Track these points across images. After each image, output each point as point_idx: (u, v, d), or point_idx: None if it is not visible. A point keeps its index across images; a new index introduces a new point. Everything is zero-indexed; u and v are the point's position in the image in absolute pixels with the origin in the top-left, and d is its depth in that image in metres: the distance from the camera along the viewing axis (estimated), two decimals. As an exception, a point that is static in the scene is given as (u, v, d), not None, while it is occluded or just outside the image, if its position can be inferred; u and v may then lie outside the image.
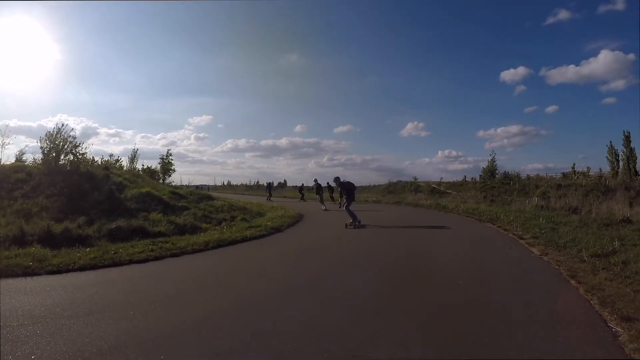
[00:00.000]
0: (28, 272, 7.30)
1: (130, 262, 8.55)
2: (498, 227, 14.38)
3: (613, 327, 4.50)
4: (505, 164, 75.57)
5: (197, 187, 54.88)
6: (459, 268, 8.03)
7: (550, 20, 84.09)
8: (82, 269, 7.79)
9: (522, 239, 11.28)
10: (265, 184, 41.78)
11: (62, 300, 5.85)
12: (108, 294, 6.30)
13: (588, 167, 36.86)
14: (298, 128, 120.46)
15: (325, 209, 24.76)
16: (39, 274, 7.30)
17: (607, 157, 37.80)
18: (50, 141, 15.81)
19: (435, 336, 4.39)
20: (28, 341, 4.28)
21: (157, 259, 8.95)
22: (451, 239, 12.14)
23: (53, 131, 16.01)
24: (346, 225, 15.12)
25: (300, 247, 10.98)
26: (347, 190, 16.56)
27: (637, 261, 7.18)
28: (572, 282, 6.54)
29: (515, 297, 5.89)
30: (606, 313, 4.96)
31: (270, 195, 40.28)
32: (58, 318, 5.02)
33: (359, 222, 15.19)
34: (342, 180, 16.66)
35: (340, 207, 21.15)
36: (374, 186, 56.12)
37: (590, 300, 5.56)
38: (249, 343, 4.30)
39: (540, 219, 14.53)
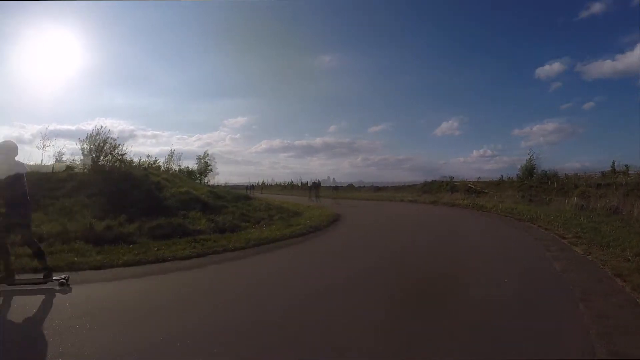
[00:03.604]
0: (73, 268, 7.45)
1: (174, 259, 8.70)
2: (538, 226, 14.25)
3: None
4: (542, 163, 74.07)
5: (247, 187, 55.05)
6: (504, 266, 8.07)
7: (584, 14, 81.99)
8: (126, 264, 7.98)
9: (564, 238, 11.14)
10: None
11: (110, 295, 6.10)
12: (155, 291, 6.51)
13: (626, 166, 35.63)
14: (332, 128, 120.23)
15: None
16: (84, 269, 7.47)
17: (646, 155, 36.73)
18: (90, 142, 16.14)
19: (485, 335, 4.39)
20: (79, 333, 4.39)
21: (199, 256, 9.10)
22: (496, 238, 12.29)
23: (93, 132, 16.34)
24: None
25: (343, 245, 11.13)
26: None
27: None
28: (618, 280, 6.47)
29: (562, 294, 5.90)
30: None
31: None
32: (107, 312, 5.15)
33: None
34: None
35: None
36: (410, 186, 55.72)
37: (637, 299, 5.48)
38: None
39: (581, 219, 14.38)
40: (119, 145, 16.84)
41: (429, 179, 52.11)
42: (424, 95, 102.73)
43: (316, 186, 42.41)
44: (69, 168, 15.32)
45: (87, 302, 5.55)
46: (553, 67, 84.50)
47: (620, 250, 8.56)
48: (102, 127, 16.55)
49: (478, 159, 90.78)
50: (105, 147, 16.22)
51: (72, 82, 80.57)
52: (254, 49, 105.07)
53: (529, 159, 40.41)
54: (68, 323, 4.63)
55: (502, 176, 45.40)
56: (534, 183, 34.33)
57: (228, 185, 52.89)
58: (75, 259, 7.86)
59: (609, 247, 9.14)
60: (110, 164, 16.12)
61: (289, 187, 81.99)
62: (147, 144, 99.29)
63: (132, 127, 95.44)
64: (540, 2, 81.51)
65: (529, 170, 39.99)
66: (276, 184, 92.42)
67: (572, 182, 32.21)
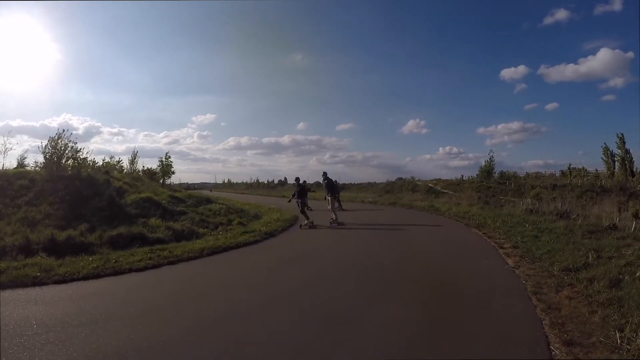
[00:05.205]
0: (37, 282, 7.83)
1: (130, 270, 9.08)
2: (483, 233, 14.39)
3: (553, 350, 4.71)
4: (506, 160, 76.10)
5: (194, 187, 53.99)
6: (427, 276, 8.46)
7: (548, 20, 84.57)
8: (85, 278, 8.35)
9: (502, 248, 11.25)
10: None
11: (70, 309, 6.44)
12: (110, 303, 6.86)
13: (583, 167, 36.99)
14: (300, 125, 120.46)
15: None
16: (47, 284, 7.84)
17: (602, 158, 37.98)
18: (52, 147, 16.31)
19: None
20: (44, 348, 4.91)
21: (155, 267, 9.48)
22: (433, 245, 12.48)
23: (55, 136, 16.57)
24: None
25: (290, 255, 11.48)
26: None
27: (603, 278, 7.18)
28: (533, 299, 6.58)
29: (470, 313, 6.10)
30: (552, 335, 5.10)
31: None
32: (67, 327, 5.63)
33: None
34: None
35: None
36: (373, 184, 56.47)
37: (543, 320, 5.64)
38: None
39: (527, 225, 14.46)
40: (81, 149, 17.18)
41: (394, 177, 53.50)
42: (391, 95, 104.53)
43: (332, 188, 19.47)
44: (31, 173, 15.27)
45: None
46: (518, 70, 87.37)
47: (548, 264, 8.74)
48: (64, 130, 16.75)
49: (444, 156, 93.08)
50: (67, 151, 16.36)
51: (37, 77, 79.04)
52: (226, 45, 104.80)
53: (488, 160, 41.59)
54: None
55: (463, 176, 46.72)
56: (492, 184, 35.23)
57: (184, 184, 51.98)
58: (38, 273, 8.16)
59: (540, 259, 9.32)
60: (72, 169, 16.28)
61: (255, 186, 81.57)
62: (114, 141, 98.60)
63: (98, 124, 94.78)
64: (505, 8, 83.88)
65: (488, 171, 41.12)
66: (242, 182, 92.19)
67: (529, 183, 33.23)
